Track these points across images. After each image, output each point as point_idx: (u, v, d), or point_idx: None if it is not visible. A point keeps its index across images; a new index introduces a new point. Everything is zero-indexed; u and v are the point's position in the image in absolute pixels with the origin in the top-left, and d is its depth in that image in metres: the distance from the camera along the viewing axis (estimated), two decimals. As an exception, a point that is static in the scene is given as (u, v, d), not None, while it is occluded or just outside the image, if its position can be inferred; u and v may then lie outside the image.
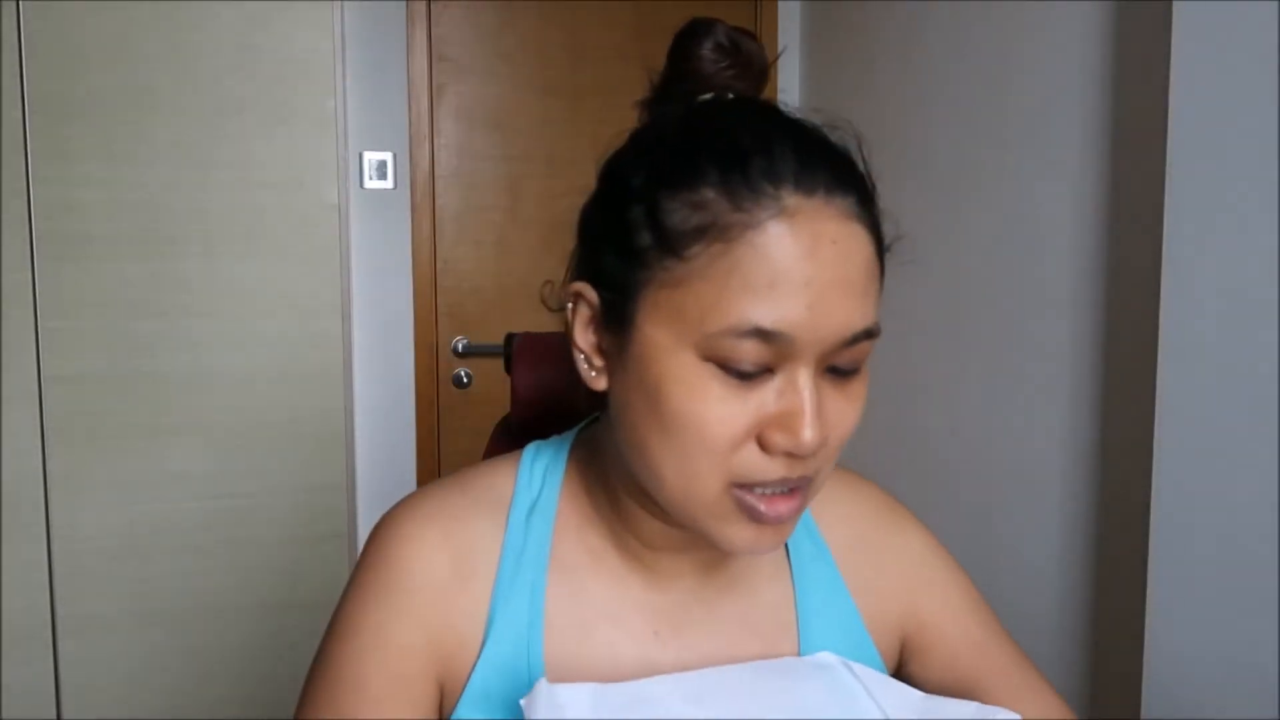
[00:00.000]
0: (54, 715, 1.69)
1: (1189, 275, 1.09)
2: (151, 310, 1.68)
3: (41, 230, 1.62)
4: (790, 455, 0.51)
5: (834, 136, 0.55)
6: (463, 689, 0.59)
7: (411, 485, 2.16)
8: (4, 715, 1.65)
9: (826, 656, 0.63)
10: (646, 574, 0.63)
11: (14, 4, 1.58)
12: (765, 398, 0.51)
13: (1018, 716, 0.57)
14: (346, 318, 1.83)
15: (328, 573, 1.80)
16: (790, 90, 2.32)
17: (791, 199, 0.50)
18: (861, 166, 0.55)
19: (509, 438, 0.94)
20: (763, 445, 0.51)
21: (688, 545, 0.62)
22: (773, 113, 0.55)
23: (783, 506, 0.53)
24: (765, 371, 0.51)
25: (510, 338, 0.93)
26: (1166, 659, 1.12)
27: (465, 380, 2.19)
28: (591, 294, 0.56)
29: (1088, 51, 1.35)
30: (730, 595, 0.64)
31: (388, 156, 2.09)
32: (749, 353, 0.49)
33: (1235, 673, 1.04)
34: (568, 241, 0.61)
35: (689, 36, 0.58)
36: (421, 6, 2.10)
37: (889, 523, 0.70)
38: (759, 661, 0.61)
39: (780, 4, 2.30)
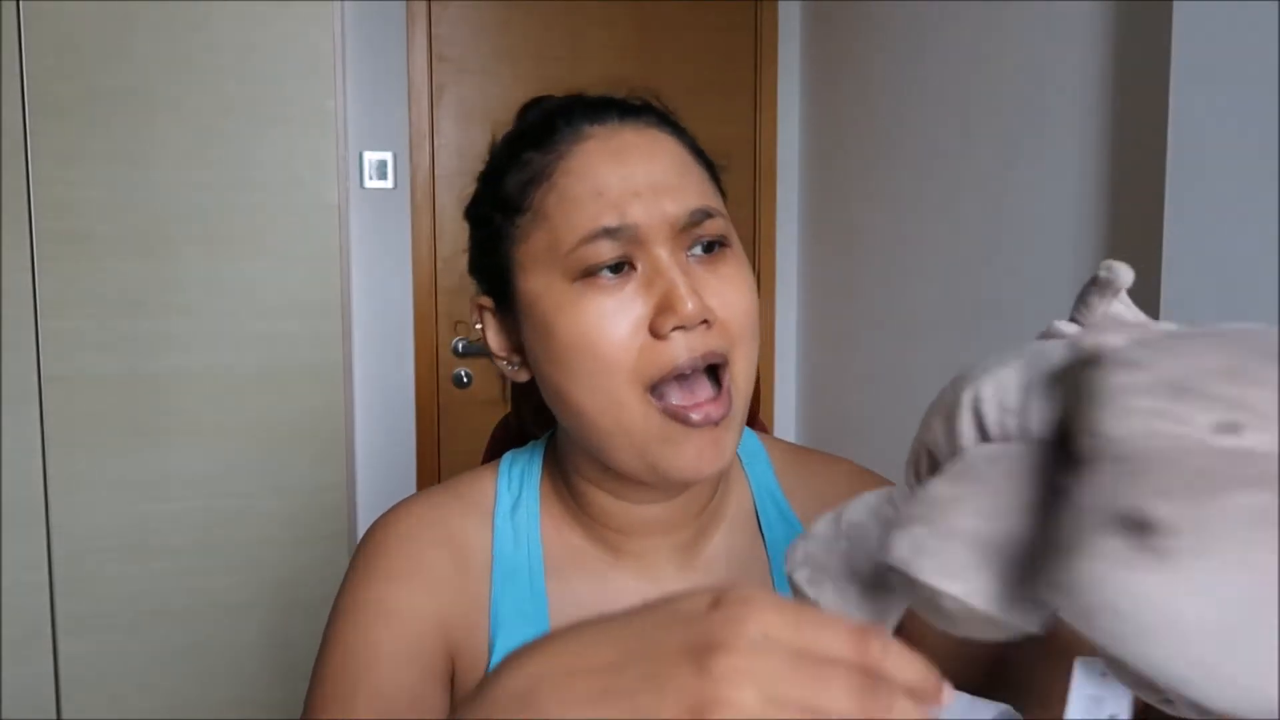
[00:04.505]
0: (54, 715, 1.69)
1: (1189, 275, 1.09)
2: (152, 310, 1.68)
3: (41, 230, 1.63)
4: (682, 330, 0.55)
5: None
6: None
7: (411, 485, 2.16)
8: (4, 715, 1.66)
9: None
10: (631, 563, 0.65)
11: (14, 4, 1.58)
12: (637, 291, 0.56)
13: (1009, 709, 0.57)
14: (346, 318, 1.83)
15: (328, 573, 1.80)
16: (790, 90, 2.32)
17: (588, 128, 0.59)
18: (659, 105, 0.64)
19: (509, 438, 0.94)
20: (655, 333, 0.56)
21: (660, 527, 0.64)
22: (574, 95, 0.65)
23: (711, 409, 0.56)
24: (629, 267, 0.56)
25: (510, 337, 0.93)
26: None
27: (465, 380, 2.19)
28: (486, 300, 0.64)
29: (1088, 51, 1.35)
30: (712, 576, 0.67)
31: (388, 156, 2.09)
32: (605, 251, 0.55)
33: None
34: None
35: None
36: (421, 6, 2.10)
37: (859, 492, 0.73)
38: None
39: (780, 4, 2.30)
